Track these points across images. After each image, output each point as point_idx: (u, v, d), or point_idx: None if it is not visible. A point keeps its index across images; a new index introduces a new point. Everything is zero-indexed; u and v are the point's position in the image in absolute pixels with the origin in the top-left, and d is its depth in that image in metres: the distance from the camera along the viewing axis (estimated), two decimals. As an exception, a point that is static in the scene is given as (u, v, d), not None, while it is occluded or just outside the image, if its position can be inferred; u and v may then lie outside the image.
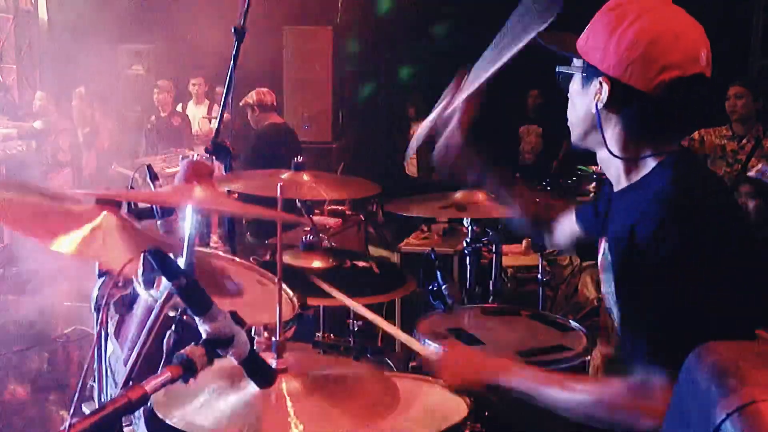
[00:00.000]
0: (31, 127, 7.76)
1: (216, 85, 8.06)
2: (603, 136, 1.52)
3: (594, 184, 2.87)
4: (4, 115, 8.08)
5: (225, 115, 2.85)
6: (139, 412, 1.65)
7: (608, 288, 1.62)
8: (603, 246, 1.64)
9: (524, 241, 4.98)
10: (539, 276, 3.58)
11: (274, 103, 5.69)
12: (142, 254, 1.02)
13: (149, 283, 1.07)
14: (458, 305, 2.72)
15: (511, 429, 1.85)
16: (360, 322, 2.92)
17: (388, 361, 2.95)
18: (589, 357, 2.30)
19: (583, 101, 1.54)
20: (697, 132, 4.80)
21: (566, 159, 6.71)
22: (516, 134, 7.68)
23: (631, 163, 1.53)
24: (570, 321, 2.54)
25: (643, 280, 1.41)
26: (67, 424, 0.89)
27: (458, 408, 1.82)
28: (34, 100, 8.10)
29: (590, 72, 1.50)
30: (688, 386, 0.78)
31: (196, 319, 1.09)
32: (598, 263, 1.70)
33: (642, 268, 1.41)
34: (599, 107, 1.49)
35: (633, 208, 1.47)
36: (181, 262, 1.07)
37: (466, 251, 2.93)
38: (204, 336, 1.09)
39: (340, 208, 4.84)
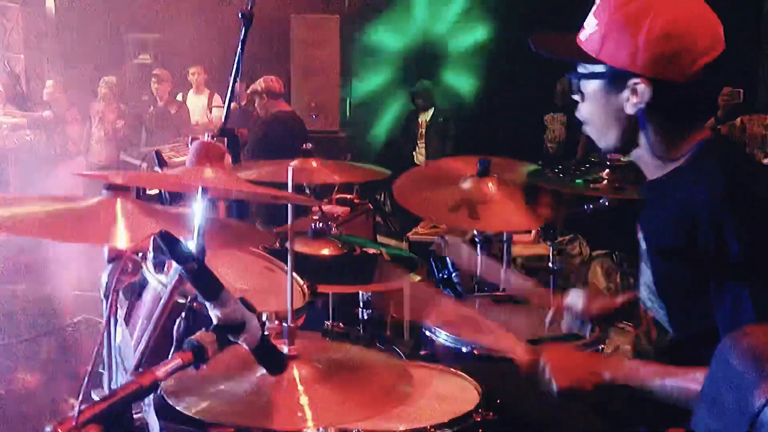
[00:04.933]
0: (41, 116, 7.76)
1: (220, 74, 8.03)
2: (646, 134, 1.48)
3: (607, 170, 2.84)
4: (13, 104, 8.09)
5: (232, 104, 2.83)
6: (149, 400, 1.64)
7: (643, 276, 1.60)
8: (638, 234, 1.62)
9: (533, 231, 4.95)
10: (551, 264, 3.54)
11: (282, 91, 5.67)
12: (152, 238, 1.00)
13: (159, 267, 1.05)
14: (468, 293, 2.70)
15: (522, 417, 1.83)
16: (369, 311, 2.90)
17: (398, 349, 2.94)
18: (602, 346, 2.28)
19: (610, 106, 1.49)
20: (739, 119, 4.72)
21: (586, 150, 6.67)
22: (541, 122, 7.61)
23: (672, 153, 1.50)
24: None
25: (717, 276, 1.38)
26: (76, 410, 0.88)
27: (469, 396, 1.80)
28: (43, 89, 8.09)
29: (618, 75, 1.45)
30: (722, 372, 0.76)
31: (207, 304, 1.07)
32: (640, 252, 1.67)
33: (711, 264, 1.38)
34: (641, 108, 1.44)
35: (676, 198, 1.45)
36: (192, 245, 1.05)
37: (476, 239, 2.90)
38: (215, 321, 1.07)
39: (348, 196, 4.82)
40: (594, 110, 1.53)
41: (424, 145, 7.87)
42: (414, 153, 7.98)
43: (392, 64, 9.11)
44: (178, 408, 1.24)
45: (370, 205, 5.03)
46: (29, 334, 4.89)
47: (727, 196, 1.36)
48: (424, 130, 7.89)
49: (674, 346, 1.57)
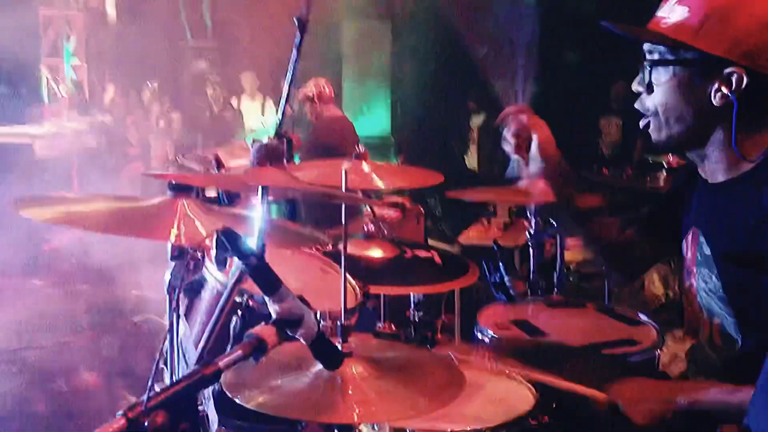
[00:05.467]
0: (102, 122, 8.02)
1: (274, 79, 8.17)
2: (727, 132, 1.43)
3: (665, 174, 2.80)
4: (75, 111, 8.38)
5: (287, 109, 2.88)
6: (209, 394, 1.69)
7: (706, 283, 1.56)
8: (698, 239, 1.58)
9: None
10: (604, 269, 3.50)
11: (332, 95, 5.71)
12: (214, 234, 1.04)
13: (221, 263, 1.09)
14: (521, 297, 2.70)
15: (579, 421, 1.81)
16: (420, 313, 2.93)
17: (449, 352, 2.95)
18: (658, 352, 2.25)
19: (693, 96, 1.45)
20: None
21: (643, 153, 6.57)
22: (596, 125, 7.52)
23: (744, 155, 1.45)
24: (639, 314, 2.48)
25: None
26: (145, 396, 0.92)
27: (525, 399, 1.79)
28: (104, 95, 8.37)
29: (711, 63, 1.40)
30: None
31: (266, 298, 1.11)
32: (688, 257, 1.63)
33: None
34: (734, 98, 1.38)
35: (751, 201, 1.41)
36: (253, 242, 1.09)
37: (529, 243, 2.90)
38: (273, 316, 1.11)
39: (399, 200, 4.84)
40: (670, 100, 1.48)
41: (476, 149, 7.86)
42: (466, 157, 7.97)
43: (445, 69, 9.12)
44: (236, 400, 1.28)
45: (421, 208, 5.04)
46: (92, 333, 5.06)
47: None
48: (476, 135, 7.88)
49: (743, 353, 1.51)
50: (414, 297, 3.04)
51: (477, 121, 7.91)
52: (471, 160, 7.93)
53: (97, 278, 5.64)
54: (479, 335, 2.34)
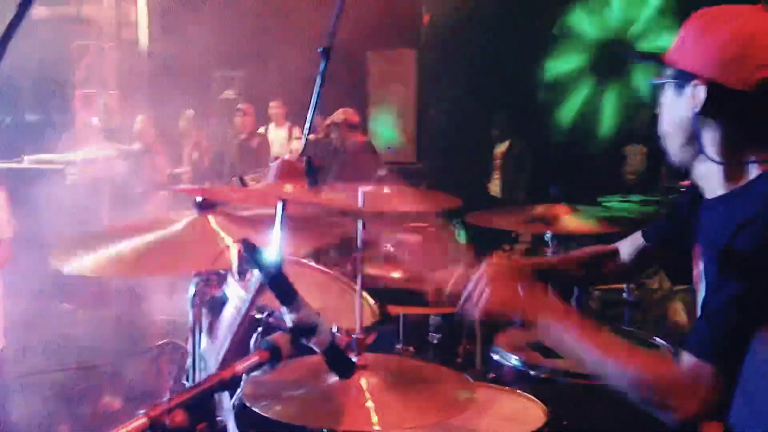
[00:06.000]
0: (131, 149, 8.20)
1: (301, 108, 8.31)
2: (701, 141, 1.49)
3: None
4: (106, 137, 8.58)
5: (310, 135, 2.95)
6: (230, 405, 1.74)
7: (700, 297, 1.57)
8: (698, 256, 1.62)
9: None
10: (625, 295, 3.51)
11: (359, 122, 5.84)
12: (236, 246, 1.10)
13: (242, 275, 1.15)
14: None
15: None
16: (439, 335, 2.96)
17: (467, 376, 2.98)
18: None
19: (677, 110, 1.52)
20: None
21: (670, 178, 6.55)
22: (620, 153, 7.53)
23: (731, 169, 1.49)
24: (654, 338, 2.49)
25: (735, 278, 1.37)
26: (166, 397, 0.98)
27: (536, 417, 1.82)
28: (135, 123, 8.57)
29: (683, 77, 1.49)
30: (764, 372, 0.78)
31: (283, 308, 1.16)
32: (694, 275, 1.66)
33: (737, 268, 1.37)
34: (696, 111, 1.46)
35: (734, 215, 1.44)
36: (272, 254, 1.15)
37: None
38: (289, 325, 1.16)
39: (422, 225, 4.88)
40: (666, 118, 1.56)
41: (499, 176, 7.89)
42: (489, 184, 8.00)
43: (468, 96, 9.21)
44: (255, 409, 1.33)
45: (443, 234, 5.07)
46: (115, 356, 5.14)
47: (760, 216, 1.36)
48: (500, 162, 7.92)
49: None
50: (432, 320, 3.08)
51: (500, 148, 7.95)
52: (494, 187, 7.95)
53: (123, 302, 5.73)
54: (495, 357, 2.37)
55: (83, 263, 1.54)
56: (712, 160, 1.49)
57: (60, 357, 4.97)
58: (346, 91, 7.65)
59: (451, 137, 9.20)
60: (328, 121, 5.78)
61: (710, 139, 1.49)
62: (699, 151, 1.52)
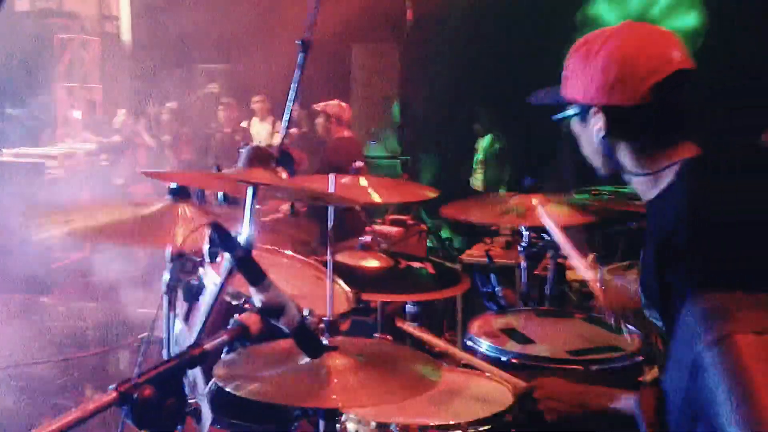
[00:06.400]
0: (110, 142, 8.18)
1: (284, 102, 8.30)
2: (617, 160, 1.58)
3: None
4: (89, 131, 8.55)
5: (293, 129, 2.98)
6: (205, 391, 1.77)
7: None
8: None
9: (591, 255, 4.94)
10: (599, 286, 3.57)
11: (348, 120, 5.84)
12: (206, 229, 1.14)
13: (213, 257, 1.19)
14: (512, 308, 2.77)
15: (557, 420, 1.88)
16: (416, 324, 2.99)
17: (444, 363, 3.02)
18: (641, 358, 2.31)
19: (588, 137, 1.60)
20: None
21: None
22: None
23: (651, 176, 1.56)
24: (624, 324, 2.54)
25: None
26: (135, 372, 1.01)
27: (503, 398, 1.87)
28: (117, 117, 8.55)
29: (581, 109, 1.58)
30: (681, 332, 0.83)
31: (251, 289, 1.20)
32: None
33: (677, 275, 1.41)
34: (601, 136, 1.55)
35: (660, 220, 1.50)
36: (241, 237, 1.19)
37: (521, 255, 2.98)
38: (258, 305, 1.20)
39: (402, 217, 4.93)
40: (582, 145, 1.66)
41: (482, 170, 7.94)
42: (471, 178, 8.06)
43: (451, 91, 9.26)
44: (228, 389, 1.36)
45: (422, 226, 5.13)
46: (98, 349, 5.16)
47: (689, 221, 1.39)
48: (481, 156, 7.98)
49: None
50: (409, 309, 3.12)
51: (483, 143, 8.00)
52: (476, 181, 8.01)
53: (104, 296, 5.74)
54: (468, 343, 2.42)
55: (56, 229, 1.56)
56: (633, 173, 1.57)
57: (41, 350, 4.98)
58: (330, 85, 7.68)
59: (433, 131, 9.25)
60: (320, 107, 5.74)
61: (625, 155, 1.58)
62: (618, 167, 1.61)
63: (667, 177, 1.54)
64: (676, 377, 0.81)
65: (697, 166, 1.51)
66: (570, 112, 1.63)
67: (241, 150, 1.43)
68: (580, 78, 1.55)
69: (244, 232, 1.21)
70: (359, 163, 2.68)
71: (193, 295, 1.97)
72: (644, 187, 1.60)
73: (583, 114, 1.58)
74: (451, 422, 1.72)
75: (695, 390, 0.76)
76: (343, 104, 5.76)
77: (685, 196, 1.45)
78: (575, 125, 1.64)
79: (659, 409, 0.94)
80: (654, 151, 1.55)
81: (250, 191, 1.25)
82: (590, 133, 1.59)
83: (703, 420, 0.75)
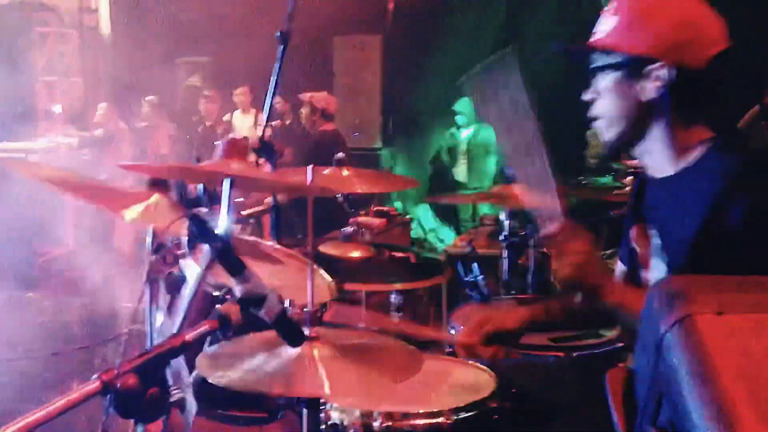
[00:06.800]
0: (92, 136, 8.12)
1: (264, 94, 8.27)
2: (643, 129, 1.56)
3: (630, 177, 2.93)
4: (70, 125, 8.48)
5: (276, 122, 2.97)
6: (189, 381, 1.79)
7: (659, 272, 1.64)
8: (648, 233, 1.68)
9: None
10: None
11: (333, 114, 5.84)
12: (185, 220, 1.15)
13: (192, 248, 1.20)
14: (495, 296, 2.80)
15: (536, 405, 1.91)
16: (400, 314, 3.02)
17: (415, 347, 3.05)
18: (622, 344, 2.35)
19: (625, 95, 1.56)
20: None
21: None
22: (583, 138, 7.64)
23: (675, 151, 1.56)
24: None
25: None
26: (117, 362, 1.02)
27: (486, 384, 1.90)
28: (98, 110, 8.48)
29: (637, 64, 1.53)
30: (646, 314, 0.86)
31: (231, 279, 1.21)
32: (640, 252, 1.73)
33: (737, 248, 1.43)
34: (658, 94, 1.51)
35: (694, 191, 1.50)
36: (220, 228, 1.20)
37: (503, 244, 3.01)
38: (238, 295, 1.21)
39: (386, 209, 4.95)
40: (610, 101, 1.60)
41: (466, 162, 7.97)
42: (455, 170, 8.08)
43: (434, 83, 9.27)
44: (211, 380, 1.38)
45: (407, 217, 5.16)
46: (84, 344, 5.13)
47: (733, 188, 1.44)
48: (465, 148, 8.00)
49: None
50: (394, 298, 3.14)
51: (467, 134, 8.03)
52: (460, 173, 8.03)
53: (90, 291, 5.72)
54: (452, 332, 2.45)
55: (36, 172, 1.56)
56: (666, 145, 1.55)
57: (26, 345, 4.95)
58: (312, 77, 7.66)
59: (417, 124, 9.27)
60: (307, 97, 5.72)
61: (660, 124, 1.55)
62: (637, 137, 1.58)
63: (692, 154, 1.54)
64: (643, 358, 0.84)
65: (727, 146, 1.52)
66: (614, 63, 1.55)
67: (217, 143, 1.44)
68: (644, 31, 1.51)
69: (222, 223, 1.23)
70: (341, 155, 2.69)
71: (175, 286, 1.98)
72: (662, 162, 1.59)
73: (634, 69, 1.53)
74: (435, 409, 1.75)
75: (659, 370, 0.78)
76: (331, 98, 5.77)
77: (727, 175, 1.45)
78: (606, 80, 1.58)
79: (628, 389, 0.96)
80: (690, 124, 1.55)
81: (227, 183, 1.27)
82: (633, 90, 1.54)
83: (667, 399, 0.78)
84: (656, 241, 1.65)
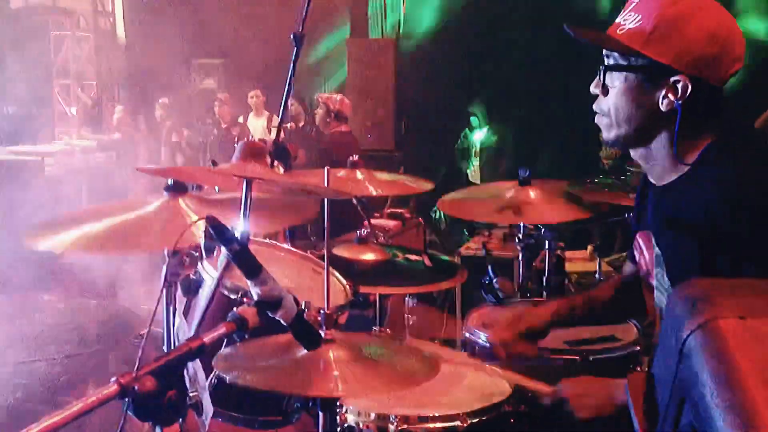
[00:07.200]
0: (110, 139, 8.18)
1: (281, 97, 8.31)
2: (648, 136, 1.53)
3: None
4: (86, 128, 8.55)
5: (289, 124, 2.98)
6: (206, 384, 1.79)
7: (660, 282, 1.63)
8: (651, 241, 1.66)
9: (589, 247, 4.96)
10: (597, 276, 3.59)
11: (347, 116, 5.84)
12: (203, 223, 1.15)
13: (209, 251, 1.20)
14: (510, 299, 2.78)
15: (554, 412, 1.90)
16: (414, 318, 3.02)
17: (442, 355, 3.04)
18: (638, 348, 2.33)
19: (637, 100, 1.51)
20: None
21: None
22: (597, 140, 7.60)
23: (675, 160, 1.52)
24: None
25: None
26: (136, 365, 1.03)
27: (502, 389, 1.89)
28: (113, 113, 8.55)
29: (659, 71, 1.48)
30: (668, 320, 0.85)
31: (248, 282, 1.21)
32: (645, 259, 1.71)
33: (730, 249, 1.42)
34: (676, 105, 1.46)
35: (691, 200, 1.48)
36: (237, 231, 1.20)
37: (518, 247, 2.99)
38: (255, 298, 1.21)
39: (400, 211, 4.95)
40: (619, 102, 1.54)
41: (479, 163, 7.96)
42: (468, 171, 8.08)
43: (447, 85, 9.26)
44: (229, 379, 1.38)
45: (421, 219, 5.15)
46: (99, 346, 5.16)
47: (736, 195, 1.41)
48: (478, 149, 8.00)
49: None
50: (408, 302, 3.14)
51: (479, 134, 8.02)
52: (473, 174, 8.03)
53: (106, 293, 5.74)
54: (466, 335, 2.43)
55: (56, 241, 1.58)
56: (669, 153, 1.52)
57: (43, 348, 4.98)
58: (326, 79, 7.70)
59: (430, 126, 9.26)
60: (323, 98, 5.72)
61: (665, 134, 1.52)
62: (649, 141, 1.54)
63: (692, 158, 1.51)
64: (664, 363, 0.83)
65: (723, 153, 1.49)
66: (635, 65, 1.50)
67: (236, 145, 1.44)
68: (672, 39, 1.46)
69: (240, 225, 1.23)
70: (355, 157, 2.69)
71: (192, 289, 1.99)
72: (662, 170, 1.56)
73: (655, 76, 1.49)
74: (450, 413, 1.74)
75: (682, 375, 0.77)
76: (346, 100, 5.77)
77: (723, 180, 1.44)
78: (628, 82, 1.53)
79: (648, 393, 0.95)
80: (696, 135, 1.51)
81: (245, 185, 1.27)
82: (649, 97, 1.50)
83: (689, 403, 0.77)
84: (657, 250, 1.62)
